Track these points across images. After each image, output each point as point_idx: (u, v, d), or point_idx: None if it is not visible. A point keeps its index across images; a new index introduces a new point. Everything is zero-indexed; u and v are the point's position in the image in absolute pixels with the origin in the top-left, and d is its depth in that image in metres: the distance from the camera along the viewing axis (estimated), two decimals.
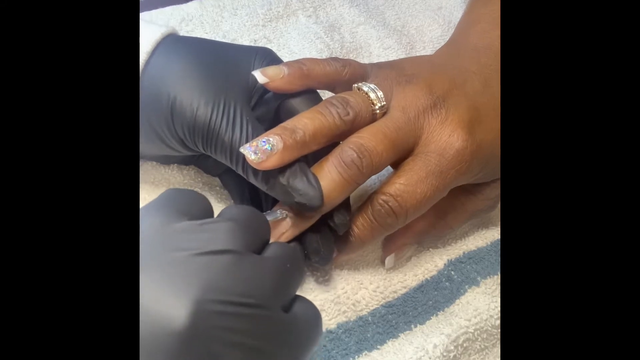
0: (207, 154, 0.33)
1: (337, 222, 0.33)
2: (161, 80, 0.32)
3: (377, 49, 0.51)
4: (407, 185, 0.33)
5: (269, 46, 0.41)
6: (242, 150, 0.31)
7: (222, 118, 0.31)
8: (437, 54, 0.41)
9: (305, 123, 0.32)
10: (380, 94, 0.34)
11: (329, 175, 0.32)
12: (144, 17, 0.50)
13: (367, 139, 0.32)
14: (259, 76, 0.34)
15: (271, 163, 0.31)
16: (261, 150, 0.30)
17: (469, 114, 0.35)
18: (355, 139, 0.32)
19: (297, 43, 0.50)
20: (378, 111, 0.34)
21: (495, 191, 0.38)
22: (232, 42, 0.37)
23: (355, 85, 0.35)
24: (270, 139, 0.31)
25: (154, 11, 0.51)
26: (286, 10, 0.53)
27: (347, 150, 0.32)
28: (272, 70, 0.34)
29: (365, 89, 0.34)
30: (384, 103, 0.34)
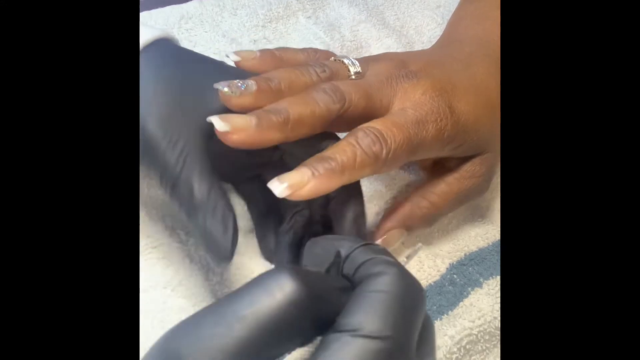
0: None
1: None
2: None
3: (377, 49, 0.51)
4: (387, 125, 0.32)
5: (268, 47, 0.41)
6: (215, 85, 0.30)
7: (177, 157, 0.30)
8: (425, 50, 0.42)
9: (282, 75, 0.32)
10: (355, 62, 0.36)
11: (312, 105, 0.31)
12: (144, 15, 0.50)
13: (341, 83, 0.33)
14: (232, 56, 0.34)
15: (244, 100, 0.30)
16: (235, 85, 0.30)
17: (442, 83, 0.35)
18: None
19: (297, 44, 0.50)
20: (353, 77, 0.35)
21: (479, 168, 0.37)
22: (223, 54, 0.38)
23: (332, 57, 0.36)
24: (247, 81, 0.31)
25: (153, 10, 0.51)
26: (286, 11, 0.53)
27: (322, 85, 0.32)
28: (245, 51, 0.35)
29: (340, 58, 0.36)
30: (359, 69, 0.35)
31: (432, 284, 0.37)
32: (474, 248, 0.39)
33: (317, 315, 0.22)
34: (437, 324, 0.35)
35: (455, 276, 0.37)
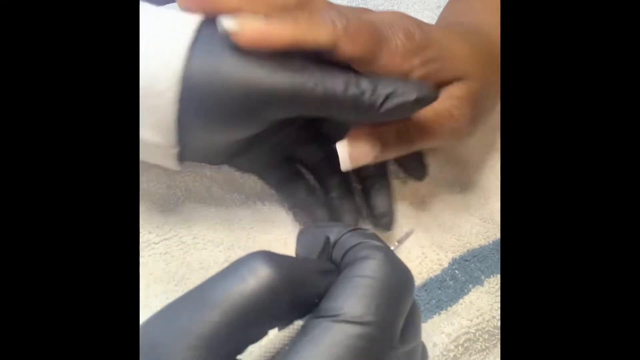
0: (303, 115, 0.31)
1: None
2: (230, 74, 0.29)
3: None
4: (351, 11, 0.32)
5: None
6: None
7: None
8: None
9: None
10: None
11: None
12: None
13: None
14: None
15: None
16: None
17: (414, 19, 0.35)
18: None
19: None
20: None
21: (458, 91, 0.34)
22: None
23: None
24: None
25: None
26: None
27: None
28: None
29: None
30: None
31: (433, 277, 0.36)
32: (475, 245, 0.39)
33: (294, 299, 0.22)
34: (435, 320, 0.35)
35: (457, 271, 0.37)
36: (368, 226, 0.37)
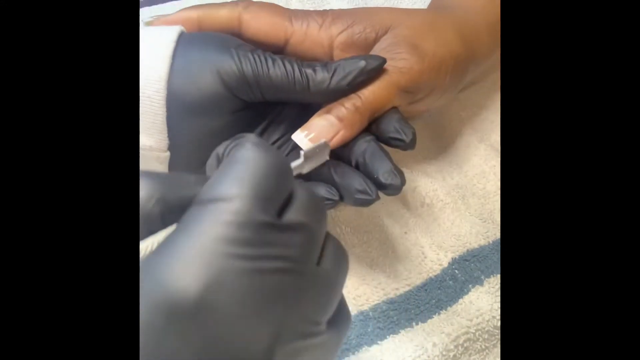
0: (266, 98, 0.34)
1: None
2: (199, 63, 0.33)
3: None
4: None
5: None
6: None
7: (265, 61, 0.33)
8: None
9: None
10: None
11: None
12: (143, 12, 0.50)
13: None
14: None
15: None
16: None
17: None
18: None
19: None
20: None
21: (385, 41, 0.36)
22: None
23: None
24: None
25: (153, 7, 0.51)
26: None
27: None
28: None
29: None
30: None
31: (433, 277, 0.37)
32: (475, 245, 0.39)
33: (171, 202, 0.23)
34: (435, 319, 0.35)
35: (456, 271, 0.37)
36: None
